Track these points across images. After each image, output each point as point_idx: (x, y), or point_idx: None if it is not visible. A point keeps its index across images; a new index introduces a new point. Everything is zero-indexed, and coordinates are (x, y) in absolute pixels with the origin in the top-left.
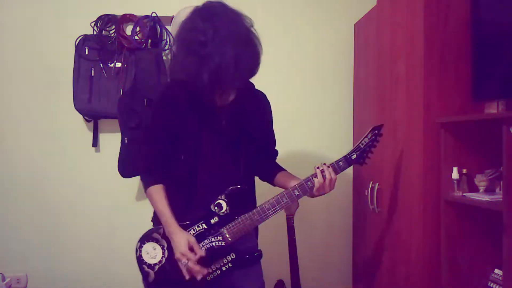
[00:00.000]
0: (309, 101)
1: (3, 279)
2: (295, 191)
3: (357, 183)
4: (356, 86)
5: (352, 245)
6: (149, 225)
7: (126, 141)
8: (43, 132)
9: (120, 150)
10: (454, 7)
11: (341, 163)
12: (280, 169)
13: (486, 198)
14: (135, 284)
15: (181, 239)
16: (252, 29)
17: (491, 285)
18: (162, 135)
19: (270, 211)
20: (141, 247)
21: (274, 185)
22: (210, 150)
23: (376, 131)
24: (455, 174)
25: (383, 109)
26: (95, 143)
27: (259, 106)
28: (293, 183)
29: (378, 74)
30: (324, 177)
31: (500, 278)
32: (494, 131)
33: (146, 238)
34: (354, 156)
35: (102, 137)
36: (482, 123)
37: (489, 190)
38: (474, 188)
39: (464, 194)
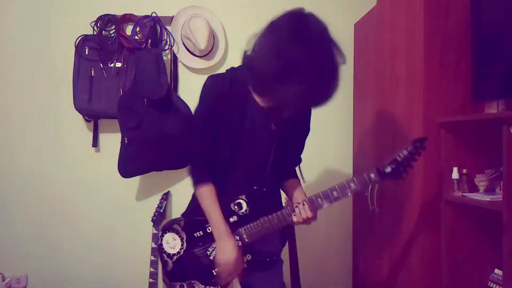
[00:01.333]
0: None
1: (3, 279)
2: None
3: None
4: (356, 86)
5: (352, 245)
6: (149, 225)
7: (126, 141)
8: (43, 132)
9: (120, 150)
10: (454, 7)
11: (372, 175)
12: (295, 175)
13: (486, 198)
14: (135, 283)
15: (234, 248)
16: (338, 66)
17: (491, 285)
18: (212, 127)
19: (290, 218)
20: (162, 236)
21: (281, 188)
22: (253, 149)
23: (418, 144)
24: (455, 174)
25: (383, 109)
26: (95, 143)
27: (305, 113)
28: (297, 195)
29: (378, 74)
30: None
31: (500, 278)
32: (494, 131)
33: (167, 228)
34: (388, 169)
35: (102, 137)
36: (482, 123)
37: (489, 190)
38: (474, 188)
39: (464, 194)
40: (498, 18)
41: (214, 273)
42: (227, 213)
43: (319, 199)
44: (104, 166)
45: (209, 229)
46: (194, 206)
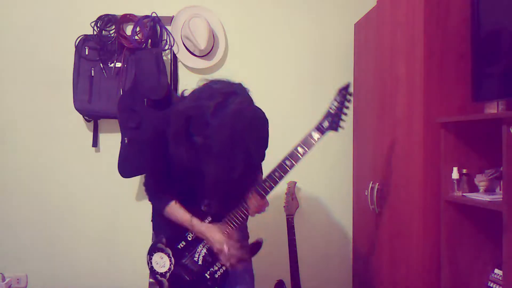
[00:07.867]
0: (309, 101)
1: (3, 279)
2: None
3: (357, 183)
4: (356, 86)
5: (352, 245)
6: (149, 225)
7: (126, 141)
8: (43, 132)
9: (120, 150)
10: (454, 7)
11: (314, 134)
12: None
13: (486, 198)
14: (135, 283)
15: (217, 232)
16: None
17: (491, 285)
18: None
19: (247, 212)
20: (150, 259)
21: None
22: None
23: (344, 91)
24: (455, 174)
25: (383, 109)
26: (95, 143)
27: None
28: None
29: (378, 74)
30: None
31: (500, 278)
32: (494, 131)
33: (153, 249)
34: (326, 124)
35: (102, 137)
36: (482, 123)
37: (489, 190)
38: (474, 188)
39: (464, 194)
40: (497, 17)
41: (207, 277)
42: (200, 217)
43: (265, 183)
44: (104, 166)
45: (189, 237)
46: (160, 222)
